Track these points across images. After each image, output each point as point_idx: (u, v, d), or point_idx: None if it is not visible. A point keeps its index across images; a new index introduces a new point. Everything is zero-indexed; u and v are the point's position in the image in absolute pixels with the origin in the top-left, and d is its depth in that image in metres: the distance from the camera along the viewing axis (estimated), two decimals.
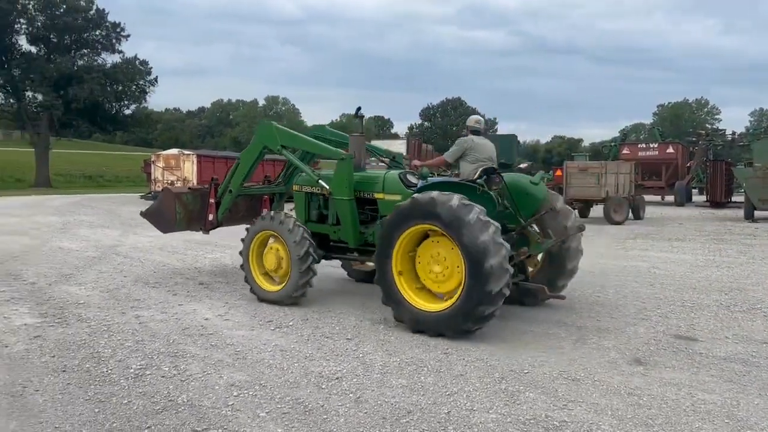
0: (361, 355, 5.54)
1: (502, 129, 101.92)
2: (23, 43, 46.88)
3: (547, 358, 5.44)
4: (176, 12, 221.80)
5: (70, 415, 4.23)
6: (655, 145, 29.29)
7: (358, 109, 8.18)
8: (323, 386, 4.78)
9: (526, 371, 5.11)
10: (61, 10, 45.38)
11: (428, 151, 32.76)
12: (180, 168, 25.77)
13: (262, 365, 5.27)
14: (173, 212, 8.90)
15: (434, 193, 6.09)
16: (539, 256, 7.36)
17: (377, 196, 7.48)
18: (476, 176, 6.74)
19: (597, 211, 21.09)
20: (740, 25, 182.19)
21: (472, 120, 7.48)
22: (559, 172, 31.05)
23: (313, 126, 9.81)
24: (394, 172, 7.59)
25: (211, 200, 9.01)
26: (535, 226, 7.07)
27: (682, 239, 14.42)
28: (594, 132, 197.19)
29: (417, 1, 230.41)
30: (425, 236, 6.42)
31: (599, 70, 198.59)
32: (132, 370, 5.11)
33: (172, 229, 9.26)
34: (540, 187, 7.03)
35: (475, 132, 7.31)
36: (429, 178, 6.82)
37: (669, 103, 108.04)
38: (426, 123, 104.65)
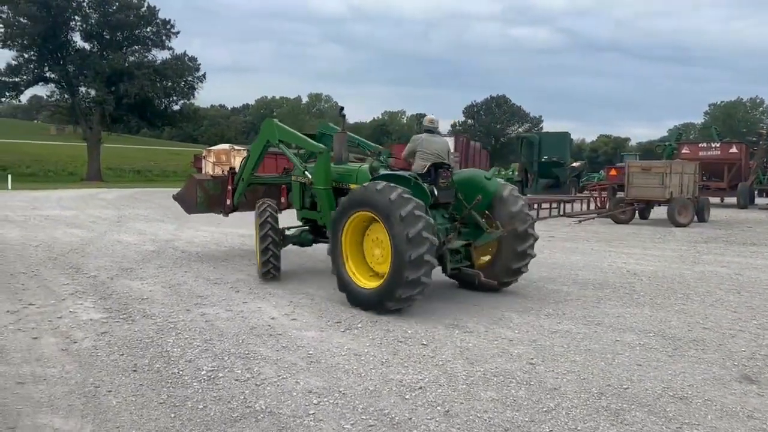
0: (440, 363, 5.20)
1: (548, 127, 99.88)
2: (77, 39, 48.16)
3: (645, 372, 5.00)
4: (221, 11, 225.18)
5: (146, 420, 4.02)
6: (717, 145, 27.93)
7: (341, 108, 8.96)
8: (407, 396, 4.46)
9: (625, 386, 4.68)
10: (114, 8, 46.40)
11: (476, 149, 32.18)
12: (230, 163, 25.88)
13: (338, 370, 4.98)
14: (194, 196, 10.19)
15: (377, 184, 6.71)
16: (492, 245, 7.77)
17: (352, 186, 8.00)
18: (425, 170, 7.40)
19: (656, 212, 20.27)
20: None
21: (426, 119, 8.19)
22: (613, 172, 30.10)
23: (319, 123, 10.79)
24: (366, 166, 8.29)
25: (229, 187, 10.12)
26: (481, 215, 7.59)
27: (757, 244, 13.58)
28: (640, 131, 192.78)
29: None
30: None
31: (645, 68, 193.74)
32: (204, 372, 4.89)
33: (194, 210, 10.40)
34: (492, 181, 7.59)
35: (429, 130, 7.95)
36: (380, 171, 7.63)
37: (721, 102, 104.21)
38: (469, 121, 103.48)
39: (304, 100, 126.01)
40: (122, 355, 5.30)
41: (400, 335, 5.99)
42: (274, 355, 5.35)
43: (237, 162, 26.25)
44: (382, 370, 5.00)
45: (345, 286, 7.07)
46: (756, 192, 32.64)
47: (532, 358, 5.32)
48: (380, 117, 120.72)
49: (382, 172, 7.56)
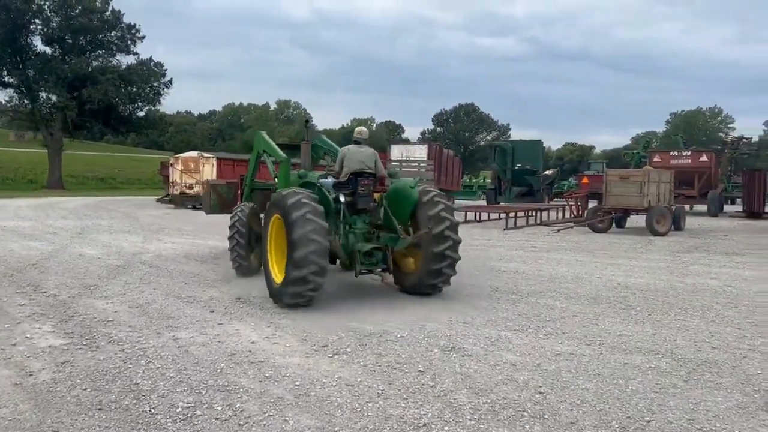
0: (442, 393, 4.74)
1: (515, 135, 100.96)
2: (38, 43, 46.53)
3: (664, 401, 4.62)
4: (187, 14, 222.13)
5: None
6: (688, 153, 28.23)
7: (306, 120, 10.17)
8: None
9: (647, 419, 4.28)
10: (77, 11, 44.97)
11: (449, 156, 31.94)
12: (199, 171, 25.05)
13: (330, 405, 4.48)
14: (209, 199, 11.49)
15: (285, 190, 7.52)
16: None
17: None
18: (345, 178, 8.06)
19: (631, 221, 20.22)
20: (757, 34, 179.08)
21: (356, 131, 8.71)
22: (585, 180, 30.16)
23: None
24: (318, 173, 9.06)
25: (239, 191, 11.38)
26: (406, 222, 8.15)
27: (739, 253, 13.50)
28: (603, 139, 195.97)
29: (427, 7, 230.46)
30: None
31: (608, 77, 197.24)
32: (179, 410, 4.34)
33: (209, 211, 11.66)
34: (415, 189, 8.03)
35: (356, 141, 8.48)
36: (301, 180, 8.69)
37: (682, 111, 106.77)
38: (438, 128, 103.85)
39: (273, 106, 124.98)
40: (85, 389, 4.70)
41: (393, 360, 5.51)
42: (257, 386, 4.82)
43: (206, 170, 25.54)
44: (380, 404, 4.52)
45: (267, 280, 7.75)
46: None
47: (540, 386, 4.89)
48: (349, 124, 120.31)
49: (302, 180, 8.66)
